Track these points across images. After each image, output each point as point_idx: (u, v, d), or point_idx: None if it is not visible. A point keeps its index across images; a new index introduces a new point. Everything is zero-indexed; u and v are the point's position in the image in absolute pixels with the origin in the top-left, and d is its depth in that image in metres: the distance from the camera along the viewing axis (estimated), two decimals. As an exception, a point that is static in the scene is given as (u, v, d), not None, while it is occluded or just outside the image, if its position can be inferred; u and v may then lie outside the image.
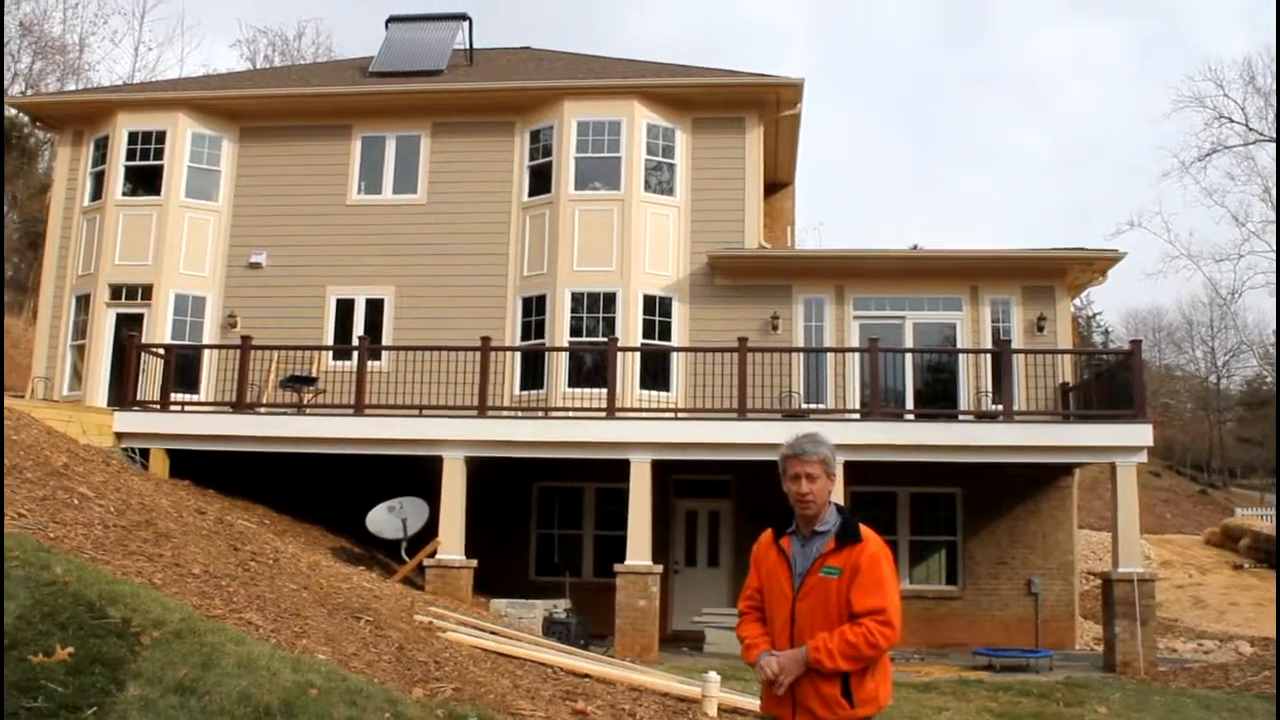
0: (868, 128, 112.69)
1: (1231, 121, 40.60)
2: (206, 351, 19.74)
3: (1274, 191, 40.34)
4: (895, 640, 4.10)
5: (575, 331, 19.43)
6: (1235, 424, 63.69)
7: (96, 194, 21.19)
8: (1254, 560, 31.89)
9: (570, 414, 17.31)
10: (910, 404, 18.90)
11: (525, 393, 19.29)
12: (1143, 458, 15.93)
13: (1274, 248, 40.39)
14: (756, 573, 4.47)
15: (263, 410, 18.08)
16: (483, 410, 16.51)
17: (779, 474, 4.37)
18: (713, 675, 9.41)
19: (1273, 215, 41.38)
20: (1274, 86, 39.71)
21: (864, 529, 4.25)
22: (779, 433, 4.19)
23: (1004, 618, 18.83)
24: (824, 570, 4.20)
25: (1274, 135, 39.33)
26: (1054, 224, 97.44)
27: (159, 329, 20.08)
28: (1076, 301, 38.19)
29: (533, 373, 19.42)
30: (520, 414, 17.90)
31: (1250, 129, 40.18)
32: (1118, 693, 12.95)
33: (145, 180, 21.06)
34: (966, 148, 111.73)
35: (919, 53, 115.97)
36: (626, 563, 15.90)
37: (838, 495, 14.57)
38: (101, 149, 21.34)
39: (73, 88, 41.40)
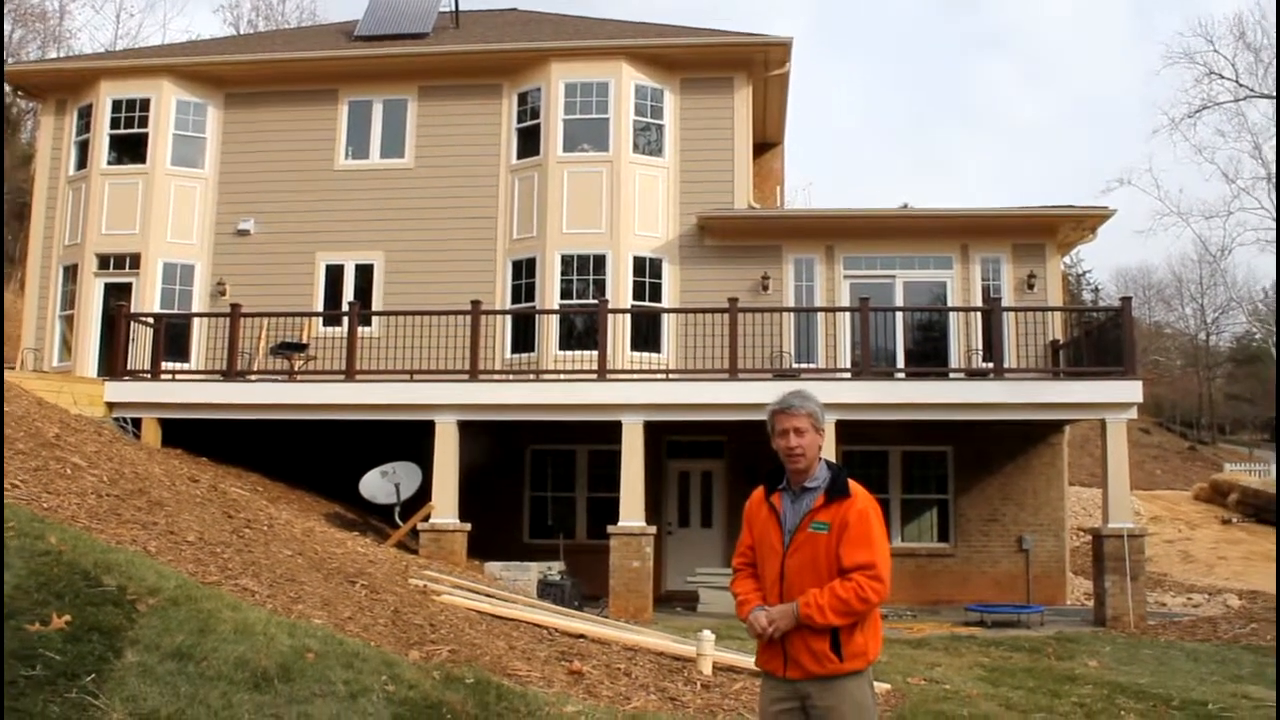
0: (863, 89, 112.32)
1: (1222, 77, 40.43)
2: (196, 320, 19.68)
3: (1270, 147, 40.25)
4: (885, 594, 4.13)
5: (566, 294, 19.40)
6: (1224, 380, 64.02)
7: (81, 163, 21.04)
8: (1242, 515, 32.16)
9: (561, 376, 17.31)
10: (901, 363, 18.95)
11: (516, 356, 19.28)
12: (1133, 414, 16.00)
13: (1273, 205, 40.35)
14: (749, 530, 4.49)
15: (254, 378, 18.06)
16: (474, 374, 16.51)
17: (768, 431, 4.39)
18: (707, 634, 9.47)
19: (1262, 171, 41.34)
20: (1264, 41, 39.55)
21: (853, 484, 4.27)
22: (770, 393, 4.24)
23: (995, 574, 18.97)
24: (813, 526, 4.22)
25: (1267, 91, 39.17)
26: (1050, 185, 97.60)
27: (148, 298, 20.00)
28: (1066, 259, 38.23)
29: (523, 336, 19.41)
30: (511, 377, 17.90)
31: (1240, 85, 39.99)
32: (1108, 646, 13.09)
33: (130, 148, 20.90)
34: (962, 108, 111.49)
35: (914, 13, 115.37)
36: (620, 524, 15.97)
37: (830, 454, 14.66)
38: (85, 118, 21.17)
39: (54, 56, 41.01)
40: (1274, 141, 39.60)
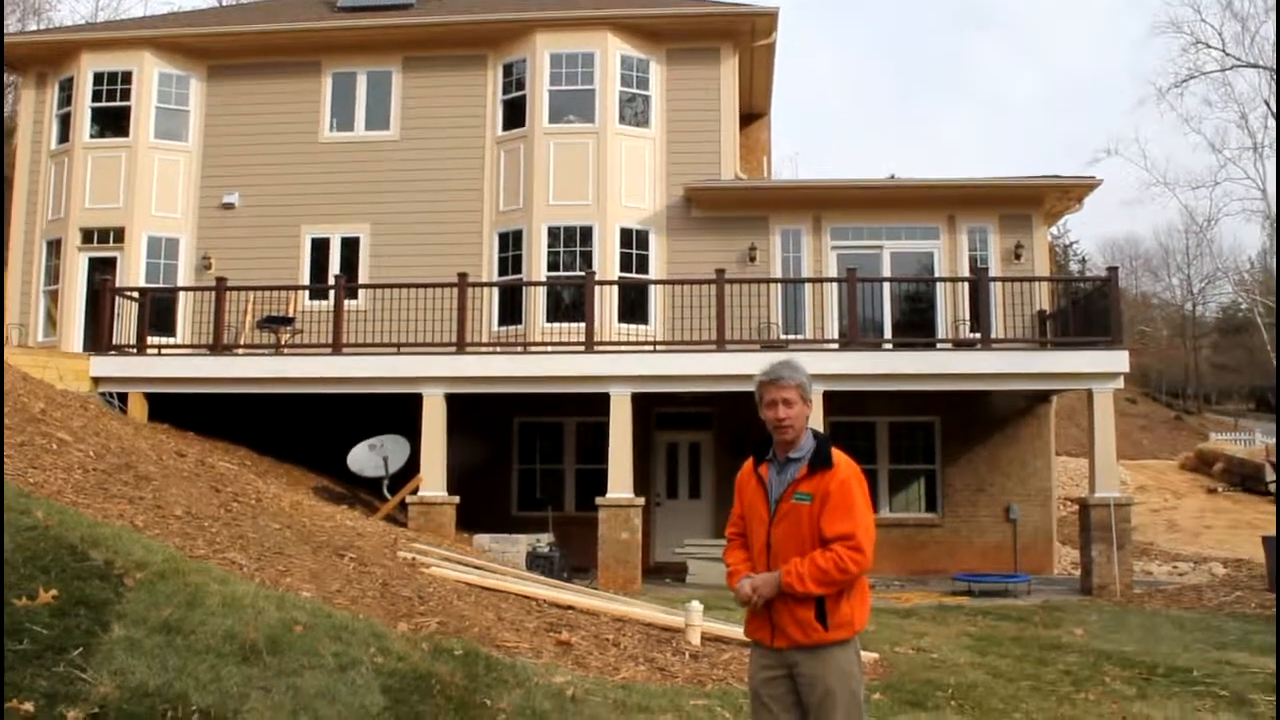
0: (852, 61, 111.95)
1: (1209, 47, 40.31)
2: (182, 294, 19.56)
3: (1256, 116, 40.17)
4: (866, 565, 4.13)
5: (553, 266, 19.35)
6: (1210, 350, 64.19)
7: (64, 137, 20.86)
8: (1228, 484, 32.37)
9: (549, 349, 17.29)
10: (889, 333, 18.94)
11: (504, 328, 19.25)
12: (1119, 384, 16.07)
13: (1259, 175, 40.35)
14: (740, 500, 4.51)
15: (240, 352, 18.00)
16: (461, 347, 16.48)
17: (756, 402, 4.38)
18: (695, 605, 9.50)
19: (1248, 141, 41.30)
20: (1251, 10, 39.42)
21: (837, 454, 4.27)
22: (758, 364, 4.26)
23: (983, 544, 19.05)
24: (796, 496, 4.23)
25: (1253, 60, 39.10)
26: (1038, 157, 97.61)
27: (133, 272, 19.89)
28: (1053, 230, 38.17)
29: (511, 308, 19.36)
30: (499, 350, 17.88)
31: (1227, 54, 39.88)
32: (1094, 615, 13.17)
33: (113, 122, 20.73)
34: (950, 81, 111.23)
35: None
36: (608, 496, 15.98)
37: (817, 425, 14.69)
38: (67, 90, 20.97)
39: (34, 27, 40.58)
40: (1259, 111, 39.63)
